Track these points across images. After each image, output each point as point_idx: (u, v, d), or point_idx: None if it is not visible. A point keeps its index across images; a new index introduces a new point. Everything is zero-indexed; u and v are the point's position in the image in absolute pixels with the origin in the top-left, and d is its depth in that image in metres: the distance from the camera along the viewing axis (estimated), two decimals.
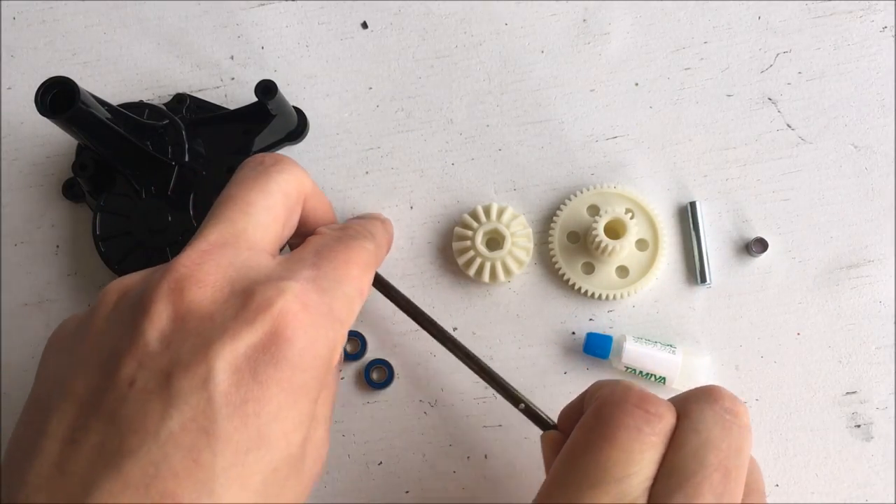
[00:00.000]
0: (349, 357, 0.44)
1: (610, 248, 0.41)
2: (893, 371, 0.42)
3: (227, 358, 0.26)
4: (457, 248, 0.44)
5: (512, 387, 0.38)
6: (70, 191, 0.46)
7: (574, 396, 0.36)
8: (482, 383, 0.39)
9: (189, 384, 0.26)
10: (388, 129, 0.46)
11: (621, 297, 0.43)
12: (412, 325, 0.40)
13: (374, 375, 0.44)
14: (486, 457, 0.43)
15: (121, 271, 0.43)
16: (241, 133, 0.44)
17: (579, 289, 0.43)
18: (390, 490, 0.43)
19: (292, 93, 0.47)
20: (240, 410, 0.26)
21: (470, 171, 0.46)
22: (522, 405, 0.37)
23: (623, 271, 0.43)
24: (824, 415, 0.42)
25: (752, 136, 0.44)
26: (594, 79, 0.46)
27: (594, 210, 0.44)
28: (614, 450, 0.29)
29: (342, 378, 0.44)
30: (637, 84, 0.46)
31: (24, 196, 0.47)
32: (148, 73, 0.48)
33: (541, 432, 0.36)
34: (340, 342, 0.30)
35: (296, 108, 0.46)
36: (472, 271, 0.43)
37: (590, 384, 0.35)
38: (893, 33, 0.45)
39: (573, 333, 0.43)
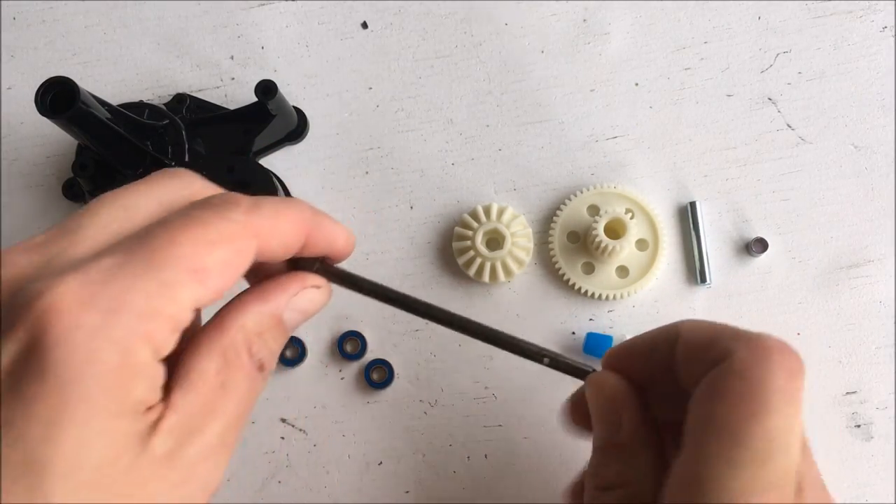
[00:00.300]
0: (349, 357, 0.44)
1: (610, 248, 0.41)
2: (893, 371, 0.42)
3: None
4: (457, 248, 0.44)
5: (526, 342, 0.32)
6: (70, 191, 0.46)
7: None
8: (482, 383, 0.39)
9: None
10: (388, 129, 0.46)
11: (621, 297, 0.43)
12: (412, 325, 0.40)
13: (374, 375, 0.44)
14: (486, 457, 0.43)
15: None
16: (241, 133, 0.44)
17: (579, 289, 0.43)
18: (390, 490, 0.43)
19: (292, 93, 0.47)
20: (4, 435, 0.22)
21: (470, 171, 0.46)
22: (546, 359, 0.31)
23: (623, 271, 0.43)
24: (824, 415, 0.42)
25: (752, 136, 0.44)
26: (594, 79, 0.46)
27: (594, 210, 0.44)
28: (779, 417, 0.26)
29: (342, 378, 0.44)
30: (637, 84, 0.46)
31: (24, 196, 0.47)
32: (148, 73, 0.48)
33: (566, 392, 0.34)
34: (149, 339, 0.24)
35: (296, 108, 0.46)
36: (472, 271, 0.43)
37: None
38: (893, 33, 0.45)
39: (573, 333, 0.43)
